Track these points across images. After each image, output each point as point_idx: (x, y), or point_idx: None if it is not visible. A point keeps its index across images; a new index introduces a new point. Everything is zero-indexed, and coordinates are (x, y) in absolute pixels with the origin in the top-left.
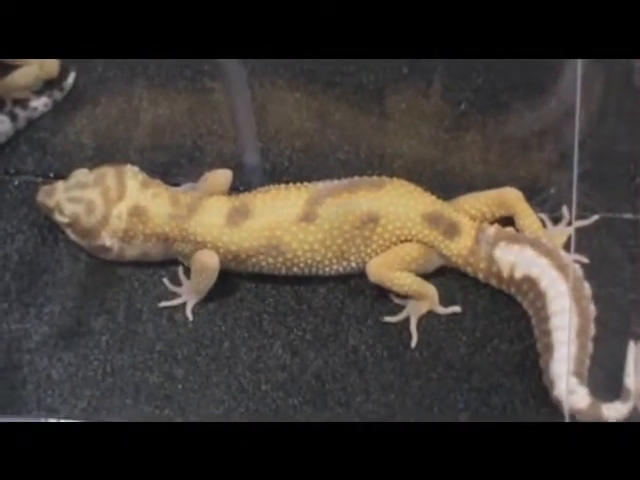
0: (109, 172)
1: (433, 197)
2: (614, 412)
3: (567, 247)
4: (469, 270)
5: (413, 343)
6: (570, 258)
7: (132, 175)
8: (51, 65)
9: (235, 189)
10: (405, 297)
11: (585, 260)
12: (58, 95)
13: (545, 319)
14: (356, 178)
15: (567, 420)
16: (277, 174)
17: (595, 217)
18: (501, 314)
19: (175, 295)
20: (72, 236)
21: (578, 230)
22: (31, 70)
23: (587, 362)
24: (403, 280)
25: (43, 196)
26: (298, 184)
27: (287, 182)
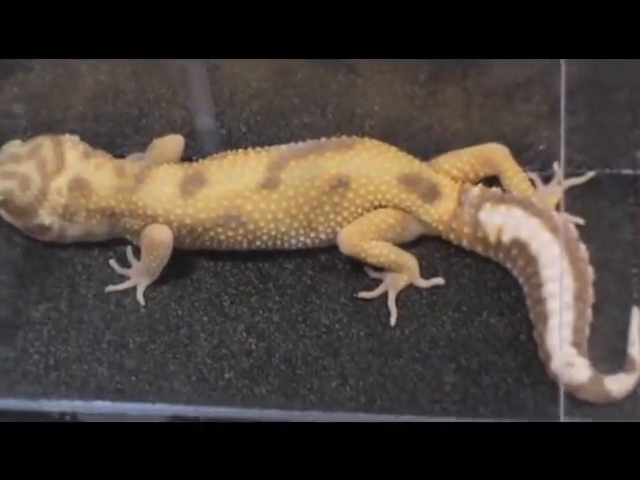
0: (45, 143)
1: (409, 157)
2: (618, 385)
3: (560, 208)
4: (452, 237)
5: (392, 320)
6: (563, 218)
7: (71, 145)
8: None
9: (188, 159)
10: (382, 270)
11: (580, 221)
12: None
13: (538, 286)
14: (323, 139)
15: (562, 398)
16: (234, 140)
17: (590, 174)
18: (489, 284)
19: (124, 278)
20: (5, 216)
21: (571, 189)
22: None
23: (586, 331)
24: (379, 250)
25: None
26: (258, 149)
27: (245, 149)
